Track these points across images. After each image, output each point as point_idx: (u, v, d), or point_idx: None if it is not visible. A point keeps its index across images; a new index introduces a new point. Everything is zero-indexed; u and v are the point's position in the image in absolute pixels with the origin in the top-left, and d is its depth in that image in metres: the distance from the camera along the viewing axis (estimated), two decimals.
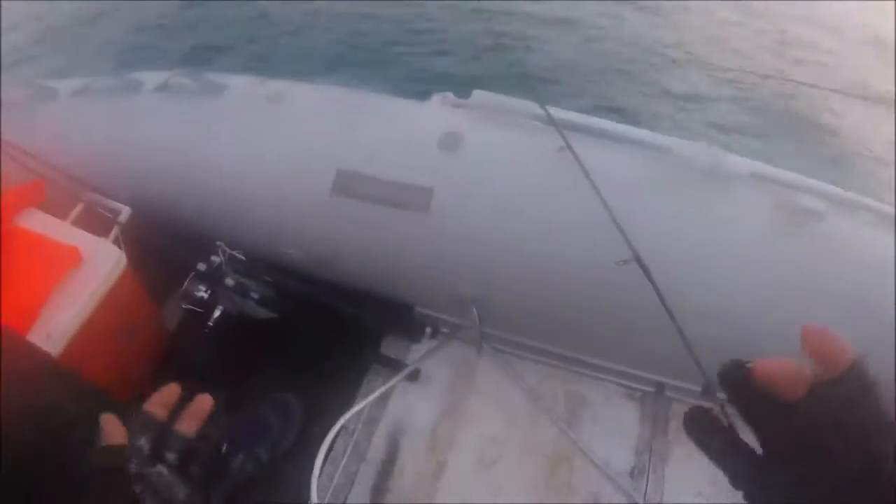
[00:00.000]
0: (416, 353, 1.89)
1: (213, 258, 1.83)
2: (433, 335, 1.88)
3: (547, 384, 1.83)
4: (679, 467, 1.70)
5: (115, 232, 1.75)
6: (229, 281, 1.82)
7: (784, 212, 1.56)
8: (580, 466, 1.69)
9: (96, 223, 1.75)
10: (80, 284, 1.57)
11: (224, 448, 1.71)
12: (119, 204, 1.81)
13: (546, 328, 1.81)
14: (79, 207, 1.79)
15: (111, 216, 1.79)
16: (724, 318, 1.54)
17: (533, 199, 1.64)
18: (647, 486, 1.67)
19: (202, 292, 1.83)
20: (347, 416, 1.69)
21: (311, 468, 1.61)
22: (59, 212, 1.75)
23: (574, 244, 1.60)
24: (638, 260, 1.40)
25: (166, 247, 1.82)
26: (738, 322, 1.55)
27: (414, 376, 1.82)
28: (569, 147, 1.54)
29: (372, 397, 1.73)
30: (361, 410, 1.75)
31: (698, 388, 1.77)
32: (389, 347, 1.91)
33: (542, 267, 1.64)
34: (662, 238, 1.54)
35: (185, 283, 1.82)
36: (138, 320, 1.85)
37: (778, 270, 1.55)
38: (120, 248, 1.69)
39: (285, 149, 1.81)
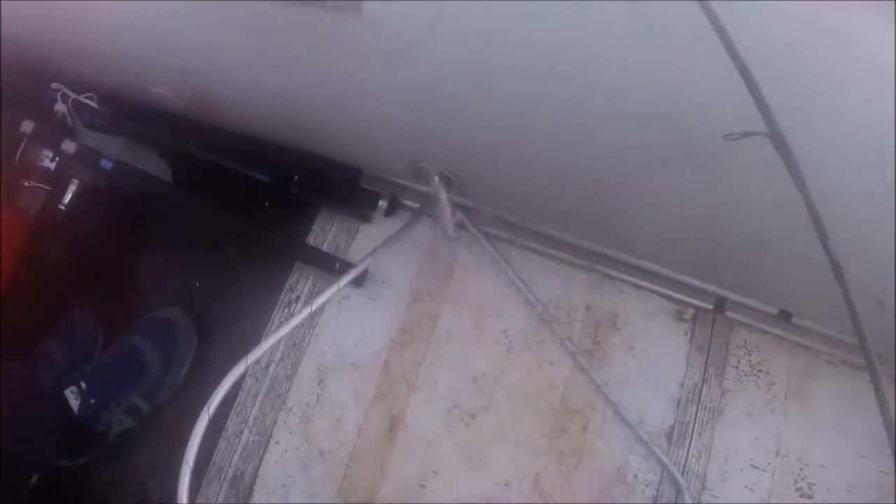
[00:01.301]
0: (364, 241, 1.24)
1: (57, 108, 1.19)
2: (391, 211, 1.20)
3: (559, 292, 1.22)
4: (733, 427, 1.18)
5: None
6: (68, 146, 1.13)
7: None
8: (598, 423, 1.17)
9: None
10: None
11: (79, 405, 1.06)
12: None
13: (562, 204, 1.13)
14: None
15: None
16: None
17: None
18: (688, 453, 1.18)
19: (47, 161, 1.19)
20: (256, 353, 1.08)
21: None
22: None
23: (615, 77, 0.86)
24: (774, 137, 0.71)
25: None
26: None
27: (359, 278, 1.19)
28: None
29: (293, 322, 1.10)
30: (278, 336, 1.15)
31: (772, 310, 1.21)
32: (322, 234, 1.24)
33: (562, 104, 0.91)
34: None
35: (19, 150, 1.19)
36: None
37: None
38: None
39: None
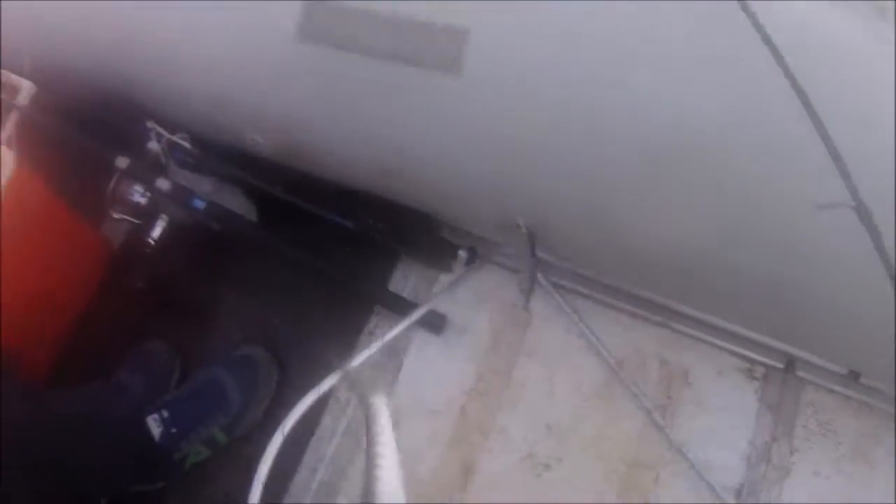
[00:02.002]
0: (443, 289, 1.27)
1: (150, 146, 1.21)
2: (470, 262, 1.23)
3: (633, 346, 1.24)
4: (801, 486, 1.19)
5: (10, 120, 1.15)
6: (162, 183, 1.16)
7: None
8: (669, 476, 1.19)
9: None
10: None
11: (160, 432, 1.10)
12: (19, 78, 1.18)
13: (639, 262, 1.16)
14: None
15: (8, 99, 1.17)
16: None
17: (637, 57, 0.86)
18: None
19: (138, 196, 1.22)
20: (330, 381, 1.11)
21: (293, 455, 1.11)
22: None
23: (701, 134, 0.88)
24: (860, 209, 0.73)
25: (84, 135, 1.25)
26: None
27: (437, 325, 1.22)
28: None
29: (366, 354, 1.13)
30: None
31: (841, 370, 1.22)
32: (403, 281, 1.28)
33: (647, 170, 0.93)
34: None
35: (112, 184, 1.22)
36: (52, 241, 1.24)
37: None
38: (11, 143, 1.12)
39: None
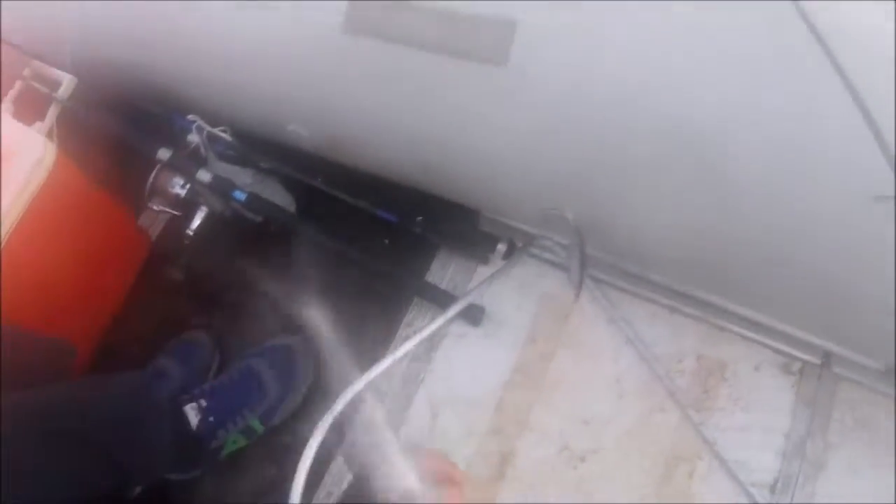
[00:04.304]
0: (483, 282, 1.27)
1: (190, 138, 1.22)
2: (508, 254, 1.23)
3: (671, 341, 1.24)
4: (836, 482, 1.19)
5: (52, 112, 1.19)
6: (203, 175, 1.17)
7: None
8: (705, 471, 1.19)
9: (38, 103, 1.21)
10: None
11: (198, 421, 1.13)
12: (61, 72, 1.21)
13: (684, 257, 1.16)
14: (17, 86, 1.21)
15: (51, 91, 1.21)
16: None
17: (687, 56, 0.86)
18: None
19: (178, 188, 1.25)
20: (370, 374, 1.12)
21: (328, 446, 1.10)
22: None
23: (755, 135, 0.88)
24: None
25: (126, 127, 1.27)
26: None
27: (476, 316, 1.23)
28: None
29: (407, 346, 1.15)
30: (395, 367, 1.19)
31: (878, 366, 1.22)
32: (440, 273, 1.29)
33: (693, 163, 0.94)
34: None
35: (152, 177, 1.24)
36: (91, 232, 1.25)
37: None
38: (53, 135, 1.16)
39: None
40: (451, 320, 1.18)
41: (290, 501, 1.04)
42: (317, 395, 1.24)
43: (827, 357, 1.24)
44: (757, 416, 1.21)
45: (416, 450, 0.63)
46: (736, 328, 1.23)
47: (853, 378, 1.23)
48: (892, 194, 0.76)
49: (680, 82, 0.88)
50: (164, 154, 1.24)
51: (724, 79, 0.86)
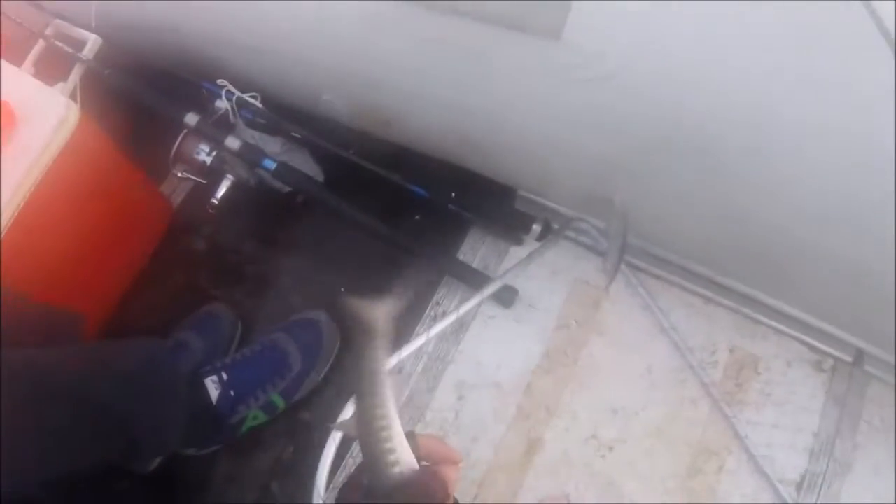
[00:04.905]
0: (512, 263, 1.24)
1: (219, 104, 1.18)
2: (543, 236, 1.20)
3: (705, 332, 1.22)
4: (861, 482, 1.17)
5: (75, 73, 1.13)
6: (232, 142, 1.12)
7: None
8: (734, 465, 1.17)
9: (62, 63, 1.15)
10: (16, 153, 0.96)
11: (218, 395, 1.10)
12: (85, 32, 1.16)
13: (729, 246, 1.13)
14: (39, 45, 1.15)
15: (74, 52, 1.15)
16: None
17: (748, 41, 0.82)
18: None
19: (203, 155, 1.21)
20: (401, 354, 1.10)
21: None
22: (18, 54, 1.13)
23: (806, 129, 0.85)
24: None
25: (152, 90, 1.22)
26: None
27: (508, 298, 1.20)
28: None
29: (441, 325, 1.13)
30: (424, 346, 1.16)
31: None
32: (471, 252, 1.25)
33: (739, 147, 0.90)
34: None
35: (177, 143, 1.21)
36: (112, 197, 1.20)
37: None
38: (76, 96, 1.08)
39: None
40: (483, 300, 1.16)
41: (317, 482, 1.02)
42: (339, 371, 1.21)
43: (859, 355, 1.22)
44: (787, 412, 1.19)
45: (410, 433, 0.61)
46: (770, 322, 1.21)
47: (882, 377, 1.21)
48: None
49: (735, 65, 0.85)
50: (191, 119, 1.19)
51: (776, 62, 0.83)
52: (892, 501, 1.18)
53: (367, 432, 0.61)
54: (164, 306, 1.29)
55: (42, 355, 0.91)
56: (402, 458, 0.60)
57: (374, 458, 0.61)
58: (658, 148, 0.95)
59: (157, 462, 1.15)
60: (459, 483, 0.67)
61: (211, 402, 1.14)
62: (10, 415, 0.80)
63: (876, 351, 1.21)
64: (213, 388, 1.15)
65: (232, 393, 1.15)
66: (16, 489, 0.80)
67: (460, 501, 1.14)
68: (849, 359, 1.22)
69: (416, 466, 0.61)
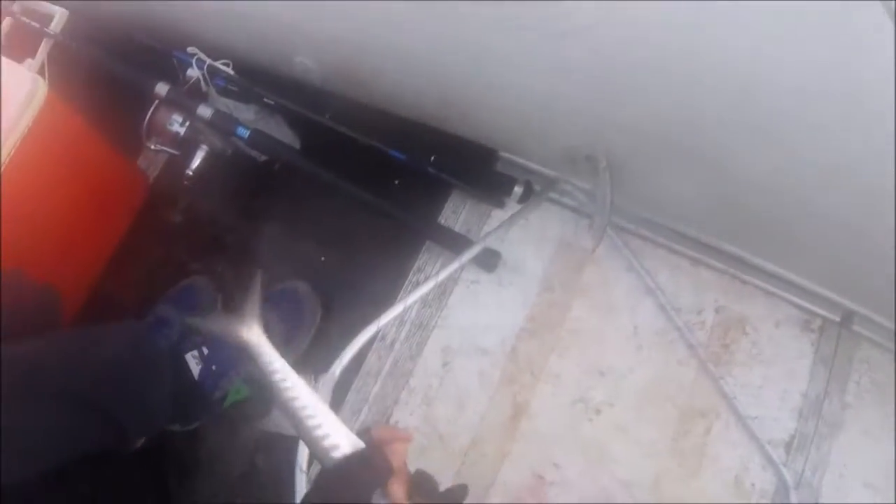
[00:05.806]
0: (494, 226, 1.21)
1: (190, 73, 1.16)
2: (525, 198, 1.18)
3: (692, 292, 1.20)
4: (850, 443, 1.16)
5: (43, 48, 1.11)
6: (204, 111, 1.10)
7: None
8: (721, 427, 1.15)
9: (30, 39, 1.14)
10: None
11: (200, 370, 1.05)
12: (52, 5, 1.13)
13: (714, 207, 1.10)
14: (7, 23, 1.13)
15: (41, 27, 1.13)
16: None
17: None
18: (805, 465, 1.16)
19: (177, 126, 1.17)
20: (382, 321, 1.08)
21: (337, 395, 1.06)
22: None
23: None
24: None
25: (121, 61, 1.20)
26: None
27: (490, 262, 1.18)
28: None
29: (421, 291, 1.11)
30: (406, 313, 1.14)
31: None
32: (453, 216, 1.23)
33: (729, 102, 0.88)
34: None
35: (149, 114, 1.16)
36: (85, 173, 1.17)
37: None
38: (44, 72, 1.08)
39: None
40: (465, 265, 1.13)
41: (298, 458, 1.00)
42: (322, 342, 1.18)
43: (847, 315, 1.21)
44: (775, 372, 1.18)
45: (365, 429, 0.71)
46: (759, 282, 1.20)
47: (872, 338, 1.20)
48: None
49: (725, 21, 0.83)
50: (161, 89, 1.16)
51: (770, 23, 0.81)
52: (881, 463, 1.17)
53: (298, 427, 0.69)
54: (144, 280, 1.27)
55: (22, 351, 0.89)
56: (339, 440, 0.67)
57: (312, 445, 0.69)
58: (638, 101, 0.92)
59: (141, 441, 1.13)
60: (406, 455, 0.71)
61: (193, 378, 1.12)
62: None
63: (865, 311, 1.20)
64: (194, 363, 1.12)
65: (213, 367, 1.13)
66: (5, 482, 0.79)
67: (448, 469, 1.13)
68: (837, 318, 1.20)
69: (360, 445, 0.68)
